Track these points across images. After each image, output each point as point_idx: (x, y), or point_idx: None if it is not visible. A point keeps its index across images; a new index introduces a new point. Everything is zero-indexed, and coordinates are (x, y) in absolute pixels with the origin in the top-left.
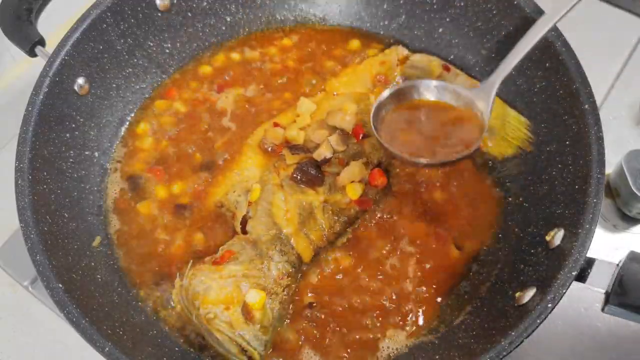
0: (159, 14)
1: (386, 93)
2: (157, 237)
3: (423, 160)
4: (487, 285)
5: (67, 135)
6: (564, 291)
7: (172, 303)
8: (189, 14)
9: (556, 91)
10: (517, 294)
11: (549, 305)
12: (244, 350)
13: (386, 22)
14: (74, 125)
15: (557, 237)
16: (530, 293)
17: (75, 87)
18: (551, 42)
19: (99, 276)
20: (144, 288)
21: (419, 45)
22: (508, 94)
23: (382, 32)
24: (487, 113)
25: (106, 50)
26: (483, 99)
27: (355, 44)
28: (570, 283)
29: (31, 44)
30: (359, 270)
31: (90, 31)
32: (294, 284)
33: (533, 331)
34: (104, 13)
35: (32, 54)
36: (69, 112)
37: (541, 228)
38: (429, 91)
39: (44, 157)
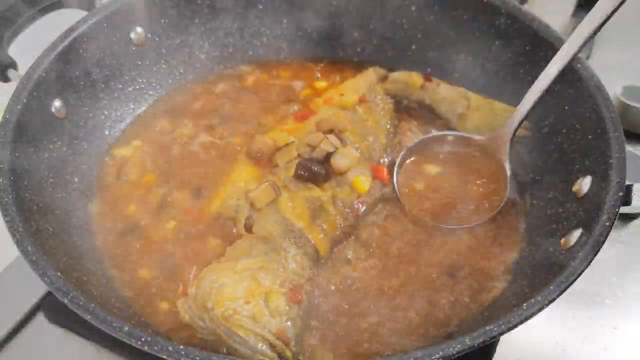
0: (134, 48)
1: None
2: (153, 255)
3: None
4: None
5: (46, 154)
6: (615, 215)
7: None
8: (163, 50)
9: None
10: (562, 241)
11: (601, 239)
12: (272, 346)
13: (358, 49)
14: (51, 147)
15: (584, 184)
16: (576, 235)
17: (53, 109)
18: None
19: (93, 290)
20: (145, 305)
21: (395, 65)
22: (490, 86)
23: (355, 59)
24: (507, 163)
25: (83, 77)
26: (501, 152)
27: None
28: (618, 209)
29: (2, 67)
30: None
31: (66, 54)
32: (315, 277)
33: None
34: (80, 37)
35: (4, 78)
36: (46, 132)
37: (562, 188)
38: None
39: (24, 168)
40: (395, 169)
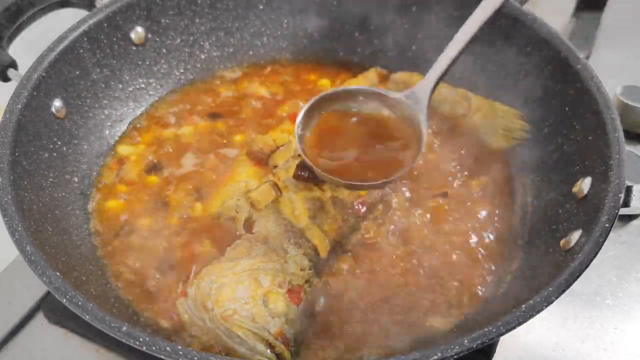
0: (134, 48)
1: (316, 98)
2: (152, 255)
3: (353, 183)
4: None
5: (46, 154)
6: (614, 217)
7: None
8: (164, 50)
9: None
10: (562, 242)
11: (600, 240)
12: (271, 346)
13: (359, 50)
14: (51, 147)
15: (584, 185)
16: (576, 236)
17: (53, 109)
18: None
19: (92, 289)
20: (144, 305)
21: (396, 66)
22: (491, 87)
23: (356, 60)
24: (424, 123)
25: (83, 77)
26: (419, 109)
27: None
28: (618, 210)
29: (2, 67)
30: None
31: (66, 53)
32: (314, 278)
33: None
34: (80, 37)
35: (4, 78)
36: (46, 132)
37: (562, 189)
38: (364, 100)
39: (24, 167)
40: (298, 120)
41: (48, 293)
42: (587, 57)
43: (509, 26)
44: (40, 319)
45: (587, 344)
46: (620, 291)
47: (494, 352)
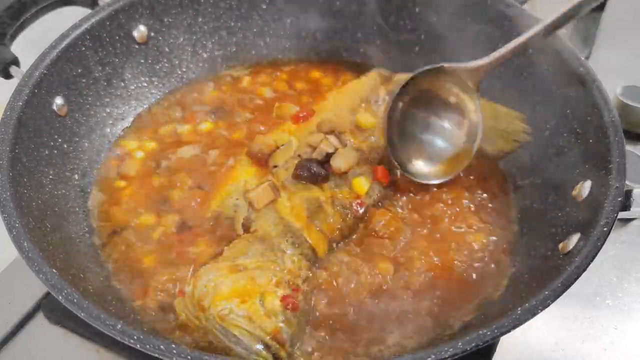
0: (136, 46)
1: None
2: (150, 254)
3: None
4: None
5: (46, 152)
6: (613, 220)
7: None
8: (166, 49)
9: None
10: (561, 245)
11: (598, 244)
12: (267, 346)
13: (362, 50)
14: (52, 144)
15: (583, 189)
16: (574, 239)
17: (54, 107)
18: None
19: (90, 287)
20: (142, 303)
21: (398, 66)
22: (493, 89)
23: (358, 60)
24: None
25: (84, 75)
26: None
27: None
28: (617, 214)
29: (4, 64)
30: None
31: (68, 51)
32: (312, 278)
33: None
34: (83, 35)
35: (6, 75)
36: (47, 129)
37: (562, 192)
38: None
39: (24, 164)
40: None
41: (48, 293)
42: (587, 57)
43: (511, 29)
44: (40, 319)
45: (587, 344)
46: (620, 291)
47: (494, 352)
